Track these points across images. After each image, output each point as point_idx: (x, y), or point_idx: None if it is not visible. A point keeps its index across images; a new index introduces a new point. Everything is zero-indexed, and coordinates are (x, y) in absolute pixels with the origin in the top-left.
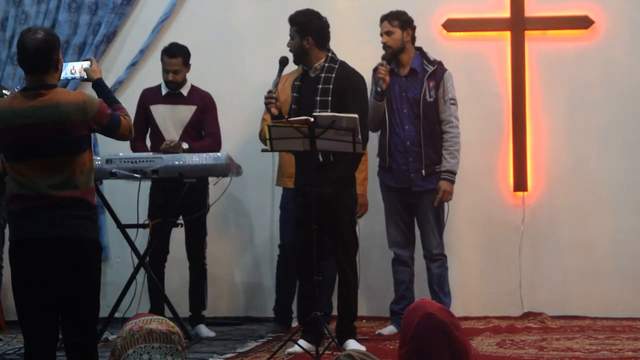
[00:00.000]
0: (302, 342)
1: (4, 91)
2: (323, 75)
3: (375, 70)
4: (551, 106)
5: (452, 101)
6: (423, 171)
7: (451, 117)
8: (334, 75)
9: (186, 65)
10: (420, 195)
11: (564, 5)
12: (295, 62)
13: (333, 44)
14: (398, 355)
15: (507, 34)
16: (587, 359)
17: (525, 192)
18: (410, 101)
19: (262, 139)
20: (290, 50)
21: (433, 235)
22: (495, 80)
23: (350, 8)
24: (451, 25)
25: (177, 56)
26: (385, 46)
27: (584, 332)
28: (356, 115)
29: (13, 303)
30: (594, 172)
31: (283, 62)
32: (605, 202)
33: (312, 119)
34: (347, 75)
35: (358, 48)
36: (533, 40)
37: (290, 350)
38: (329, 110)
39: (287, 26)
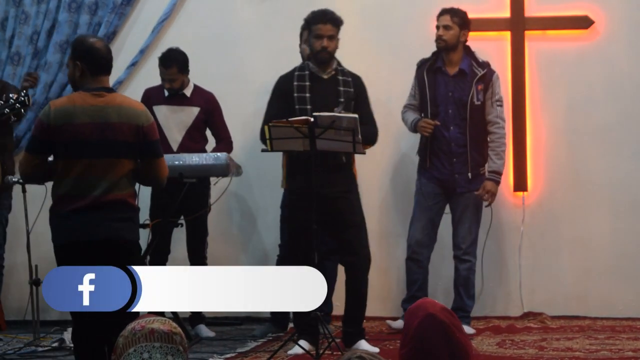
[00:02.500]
0: (302, 342)
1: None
2: (341, 78)
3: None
4: (551, 106)
5: (498, 103)
6: (469, 174)
7: (497, 118)
8: (350, 78)
9: (183, 72)
10: (463, 197)
11: (564, 6)
12: (325, 62)
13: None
14: (399, 355)
15: (507, 34)
16: (587, 359)
17: (525, 192)
18: (456, 103)
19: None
20: (328, 50)
21: (470, 236)
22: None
23: (349, 8)
24: None
25: (171, 66)
26: (440, 39)
27: (584, 332)
28: (356, 116)
29: (13, 303)
30: (594, 172)
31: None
32: (605, 202)
33: (312, 119)
34: (359, 81)
35: (357, 48)
36: (533, 40)
37: (291, 351)
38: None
39: (288, 26)
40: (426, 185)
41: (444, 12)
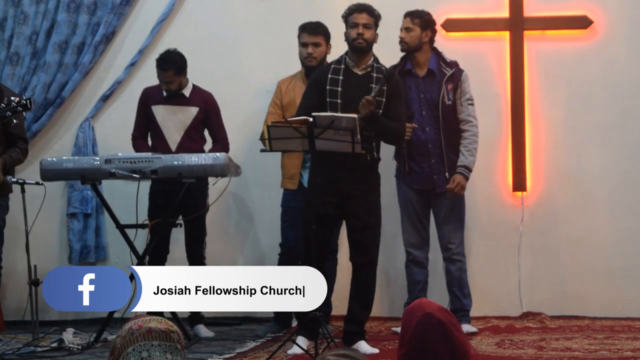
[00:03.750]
0: (300, 339)
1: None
2: (375, 75)
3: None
4: (550, 106)
5: (469, 101)
6: (447, 174)
7: (469, 116)
8: (384, 75)
9: (180, 74)
10: (443, 197)
11: (563, 5)
12: (361, 50)
13: (332, 43)
14: (397, 356)
15: (506, 34)
16: (586, 359)
17: (524, 192)
18: (429, 103)
19: (262, 139)
20: (406, 41)
21: (455, 236)
22: (495, 80)
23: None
24: (450, 25)
25: (167, 69)
26: (402, 41)
27: (583, 332)
28: (355, 116)
29: (12, 303)
30: (593, 172)
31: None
32: (604, 202)
33: (310, 119)
34: (396, 79)
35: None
36: (532, 40)
37: (290, 351)
38: (380, 110)
39: (287, 25)
40: (407, 189)
41: (405, 14)
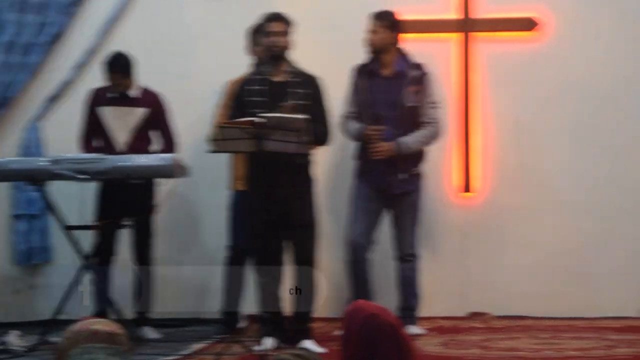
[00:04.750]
0: (267, 340)
1: None
2: (292, 80)
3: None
4: (498, 107)
5: (434, 104)
6: (401, 174)
7: (432, 118)
8: (302, 79)
9: (126, 76)
10: (398, 197)
11: (511, 7)
12: (275, 57)
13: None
14: (343, 358)
15: (455, 36)
16: (531, 359)
17: (471, 193)
18: (391, 104)
19: (211, 140)
20: (372, 43)
21: (410, 236)
22: (443, 81)
23: (301, 9)
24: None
25: (114, 72)
26: (368, 43)
27: (527, 332)
28: (304, 117)
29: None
30: (539, 173)
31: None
32: (550, 203)
33: (256, 120)
34: (316, 83)
35: (309, 49)
36: (480, 42)
37: (256, 347)
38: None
39: (237, 26)
40: (363, 188)
41: (372, 16)
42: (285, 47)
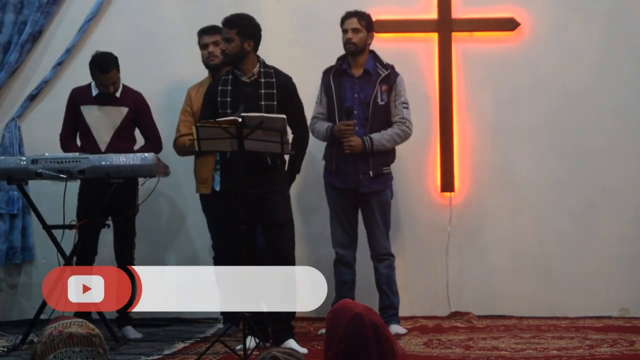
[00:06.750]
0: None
1: None
2: (263, 80)
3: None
4: (478, 107)
5: (404, 105)
6: (371, 172)
7: (403, 118)
8: (274, 80)
9: (118, 72)
10: (367, 197)
11: (491, 8)
12: (233, 64)
13: (260, 45)
14: (325, 358)
15: (435, 36)
16: (513, 358)
17: (452, 193)
18: (362, 103)
19: (179, 146)
20: (226, 53)
21: (381, 235)
22: (423, 81)
23: (276, 9)
24: (379, 27)
25: (109, 70)
26: (349, 42)
27: (510, 332)
28: (284, 116)
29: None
30: (520, 172)
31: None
32: (531, 203)
33: (239, 120)
34: (286, 82)
35: (285, 49)
36: (460, 42)
37: (239, 347)
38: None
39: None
40: (334, 188)
41: (350, 15)
42: (233, 51)
